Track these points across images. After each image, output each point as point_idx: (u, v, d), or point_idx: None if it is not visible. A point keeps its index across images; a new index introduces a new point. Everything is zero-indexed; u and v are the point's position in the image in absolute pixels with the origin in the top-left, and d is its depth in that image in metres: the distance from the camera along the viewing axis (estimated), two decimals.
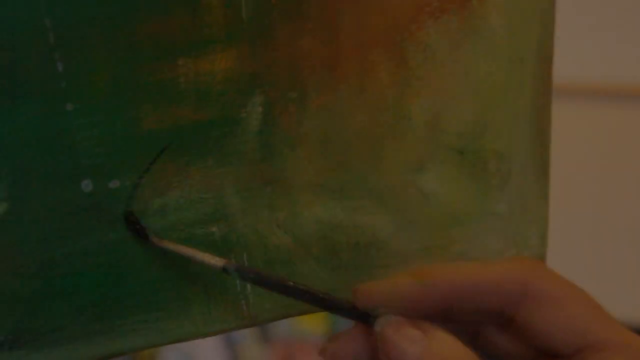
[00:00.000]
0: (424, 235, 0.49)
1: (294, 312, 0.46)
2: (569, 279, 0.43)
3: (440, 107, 0.48)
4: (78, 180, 0.40)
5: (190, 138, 0.42)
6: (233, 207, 0.44)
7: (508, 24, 0.49)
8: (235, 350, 1.57)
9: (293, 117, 0.44)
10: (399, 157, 0.47)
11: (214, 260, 0.41)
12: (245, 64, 0.43)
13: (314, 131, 0.45)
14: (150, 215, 0.42)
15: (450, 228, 0.49)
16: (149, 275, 0.43)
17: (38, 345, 0.41)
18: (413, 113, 0.47)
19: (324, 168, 0.46)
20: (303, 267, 0.46)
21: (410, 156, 0.47)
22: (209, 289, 0.44)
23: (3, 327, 0.40)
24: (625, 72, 1.46)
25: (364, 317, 0.41)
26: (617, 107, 1.46)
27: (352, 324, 0.42)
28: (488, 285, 0.41)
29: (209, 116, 0.42)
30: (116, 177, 0.41)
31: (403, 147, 0.47)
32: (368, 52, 0.45)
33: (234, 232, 0.44)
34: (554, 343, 0.41)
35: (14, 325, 0.40)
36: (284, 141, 0.44)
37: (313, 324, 1.59)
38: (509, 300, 0.41)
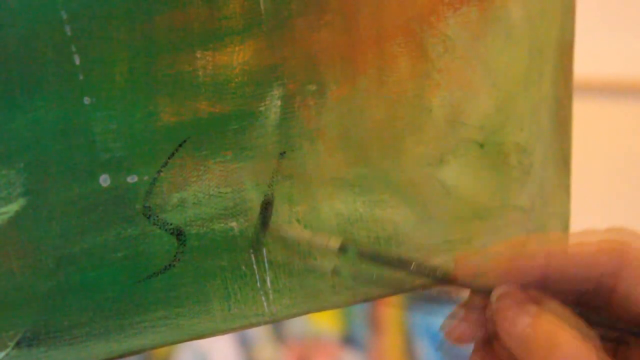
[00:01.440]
0: (445, 229, 0.48)
1: (313, 308, 0.46)
2: None
3: (461, 99, 0.47)
4: (96, 175, 0.40)
5: (209, 132, 0.42)
6: (252, 201, 0.43)
7: (528, 15, 0.49)
8: (249, 350, 1.57)
9: (312, 110, 0.44)
10: (419, 150, 0.47)
11: (331, 242, 0.43)
12: (263, 57, 0.42)
13: (334, 124, 0.44)
14: (168, 210, 0.42)
15: (471, 221, 0.49)
16: (169, 271, 0.42)
17: (56, 342, 0.40)
18: (433, 105, 0.46)
19: (344, 162, 0.45)
20: (323, 261, 0.45)
21: (430, 149, 0.47)
22: (228, 286, 0.44)
23: (21, 324, 0.40)
24: None
25: (481, 291, 0.42)
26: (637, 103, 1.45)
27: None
28: (584, 257, 0.41)
29: (227, 109, 0.42)
30: (134, 171, 0.40)
31: (423, 140, 0.47)
32: (387, 44, 0.45)
33: (253, 227, 0.44)
34: None
35: (32, 323, 0.40)
36: (303, 134, 0.44)
37: (328, 324, 1.58)
38: (606, 271, 0.41)
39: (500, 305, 0.40)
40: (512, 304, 0.40)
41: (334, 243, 0.43)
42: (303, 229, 0.44)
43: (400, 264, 0.43)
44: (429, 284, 0.43)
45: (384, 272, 0.44)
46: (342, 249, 0.43)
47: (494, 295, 0.41)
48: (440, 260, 0.48)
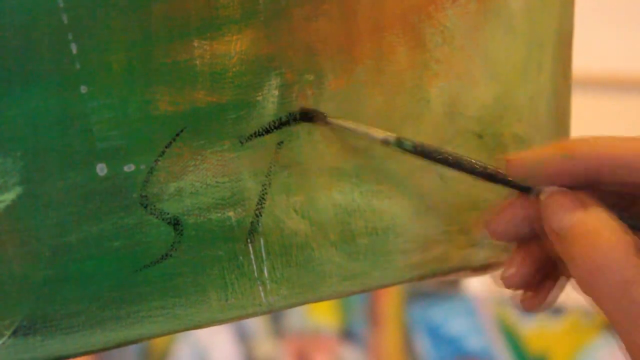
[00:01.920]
0: (443, 219, 0.48)
1: (311, 298, 0.46)
2: None
3: (459, 90, 0.47)
4: (93, 164, 0.40)
5: (206, 121, 0.42)
6: (250, 191, 0.43)
7: (527, 6, 0.49)
8: (248, 344, 1.57)
9: (310, 99, 0.44)
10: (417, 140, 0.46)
11: (376, 133, 0.44)
12: (261, 46, 0.42)
13: (331, 114, 0.44)
14: (165, 199, 0.41)
15: (469, 212, 0.49)
16: (166, 260, 0.42)
17: (53, 331, 0.40)
18: (431, 96, 0.46)
19: (342, 152, 0.45)
20: (320, 252, 0.45)
21: (428, 140, 0.46)
22: (225, 276, 0.43)
23: (18, 313, 0.40)
24: None
25: (525, 189, 0.43)
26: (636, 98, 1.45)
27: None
28: (633, 158, 0.41)
29: (224, 99, 0.42)
30: (131, 160, 0.40)
31: (421, 130, 0.47)
32: (385, 34, 0.45)
33: (250, 216, 0.43)
34: None
35: (29, 312, 0.40)
36: (301, 124, 0.44)
37: (327, 318, 1.58)
38: None
39: (548, 200, 0.42)
40: (560, 200, 0.41)
41: (390, 136, 0.44)
42: (358, 123, 0.44)
43: (453, 160, 0.44)
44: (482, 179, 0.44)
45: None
46: (398, 143, 0.44)
47: (543, 194, 0.42)
48: (439, 251, 0.48)
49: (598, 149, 0.42)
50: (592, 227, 0.40)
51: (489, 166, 0.43)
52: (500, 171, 0.43)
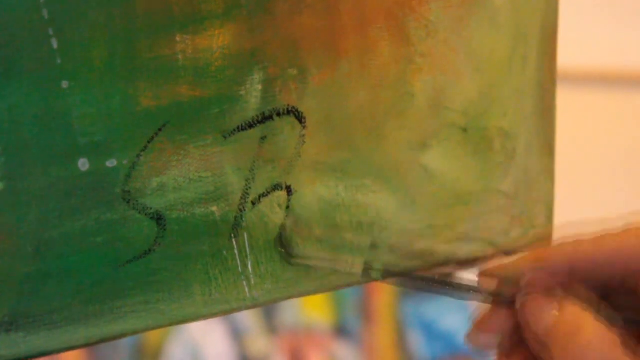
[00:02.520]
0: (428, 214, 0.48)
1: (294, 293, 0.46)
2: None
3: (444, 83, 0.47)
4: (75, 159, 0.39)
5: (189, 116, 0.41)
6: (233, 186, 0.43)
7: None
8: (241, 341, 1.57)
9: (293, 94, 0.43)
10: (401, 134, 0.46)
11: (354, 267, 0.45)
12: (244, 41, 0.42)
13: (315, 109, 0.44)
14: (148, 194, 0.41)
15: (454, 207, 0.49)
16: (149, 255, 0.42)
17: (36, 327, 0.40)
18: (416, 90, 0.46)
19: (326, 146, 0.45)
20: (305, 246, 0.45)
21: (413, 134, 0.46)
22: (209, 270, 0.43)
23: (0, 310, 0.39)
24: (630, 57, 1.45)
25: (503, 299, 0.43)
26: (624, 93, 1.46)
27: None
28: (605, 260, 0.42)
29: (207, 93, 0.42)
30: (113, 156, 0.40)
31: (406, 124, 0.47)
32: (369, 28, 0.45)
33: (234, 211, 0.43)
34: None
35: (11, 308, 0.40)
36: (285, 119, 0.44)
37: (320, 315, 1.58)
38: (628, 270, 0.42)
39: (524, 307, 0.41)
40: (535, 304, 0.41)
41: (357, 268, 0.45)
42: (324, 252, 0.45)
43: (423, 279, 0.44)
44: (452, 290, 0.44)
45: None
46: (366, 271, 0.44)
47: (517, 301, 0.42)
48: (423, 245, 0.48)
49: (568, 256, 0.42)
50: (571, 327, 0.39)
51: (462, 279, 0.44)
52: (474, 284, 0.44)
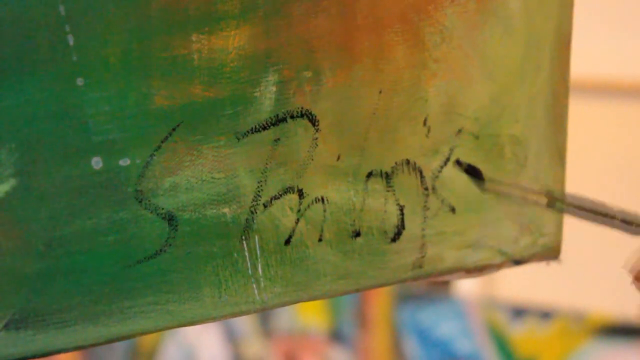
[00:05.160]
0: (438, 220, 0.48)
1: (305, 297, 0.45)
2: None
3: (457, 90, 0.47)
4: (88, 157, 0.39)
5: (203, 116, 0.41)
6: (245, 188, 0.43)
7: (525, 6, 0.49)
8: (236, 345, 1.56)
9: (307, 97, 0.43)
10: (414, 140, 0.46)
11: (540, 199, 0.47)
12: (259, 42, 0.42)
13: (329, 112, 0.44)
14: (160, 194, 0.41)
15: (464, 214, 0.48)
16: (159, 256, 0.42)
17: (44, 325, 0.40)
18: (429, 95, 0.46)
19: (338, 150, 0.45)
20: (315, 250, 0.45)
21: (425, 139, 0.46)
22: (219, 272, 0.43)
23: (9, 307, 0.39)
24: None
25: None
26: (637, 104, 1.46)
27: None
28: None
29: (221, 94, 0.41)
30: (127, 154, 0.40)
31: (418, 130, 0.46)
32: (384, 32, 0.45)
33: (245, 213, 0.43)
34: None
35: (20, 305, 0.39)
36: (298, 121, 0.43)
37: (315, 320, 1.58)
38: None
39: None
40: None
41: (542, 199, 0.47)
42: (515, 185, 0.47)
43: (607, 216, 0.46)
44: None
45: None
46: (550, 204, 0.46)
47: None
48: (431, 253, 0.48)
49: None
50: None
51: None
52: None
